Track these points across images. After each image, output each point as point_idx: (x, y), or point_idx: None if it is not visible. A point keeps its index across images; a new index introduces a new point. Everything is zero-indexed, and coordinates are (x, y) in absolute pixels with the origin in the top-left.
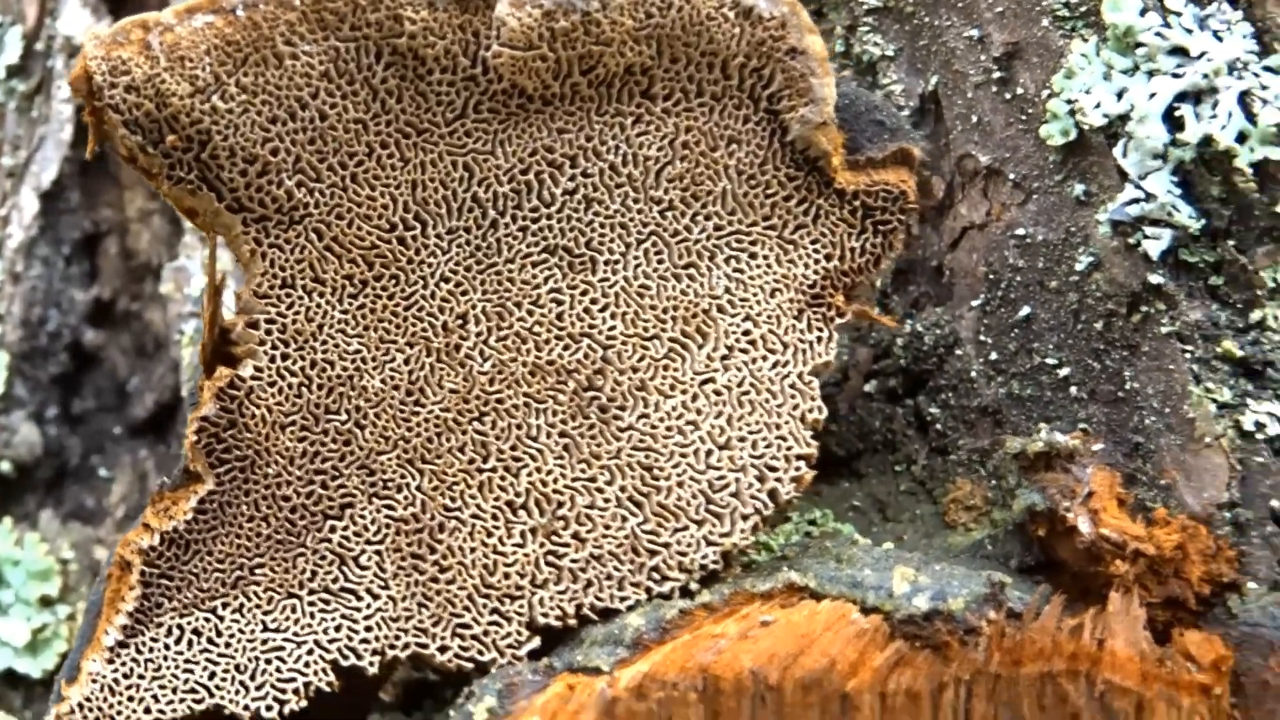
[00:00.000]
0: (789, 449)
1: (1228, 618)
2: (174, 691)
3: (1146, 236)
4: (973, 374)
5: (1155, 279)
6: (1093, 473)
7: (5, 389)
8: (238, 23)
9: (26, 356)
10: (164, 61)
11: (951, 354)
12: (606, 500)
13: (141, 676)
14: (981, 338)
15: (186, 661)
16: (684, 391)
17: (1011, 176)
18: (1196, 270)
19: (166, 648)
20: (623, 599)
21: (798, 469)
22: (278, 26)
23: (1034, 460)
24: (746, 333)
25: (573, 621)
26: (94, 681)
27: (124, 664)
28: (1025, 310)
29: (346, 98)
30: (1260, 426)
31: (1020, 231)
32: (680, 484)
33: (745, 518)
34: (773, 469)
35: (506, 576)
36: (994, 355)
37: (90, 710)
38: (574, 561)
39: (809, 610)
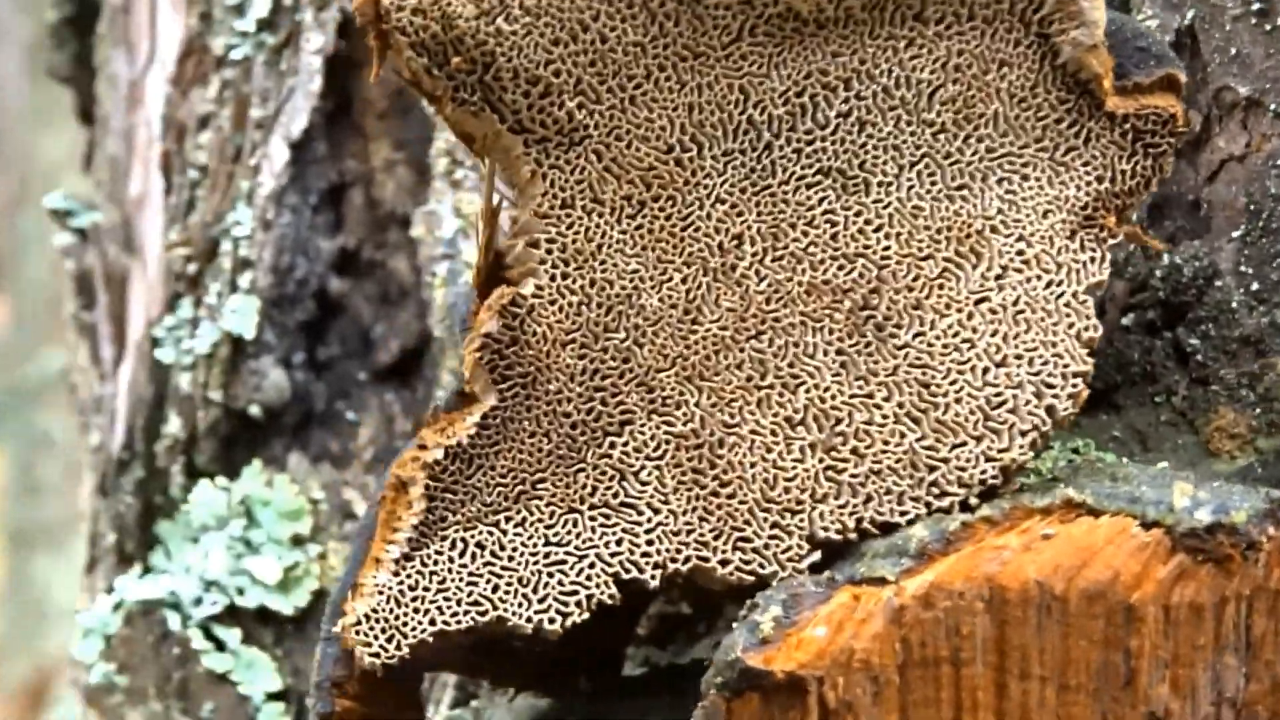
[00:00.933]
0: (1065, 366)
1: None
2: (458, 604)
3: None
4: (1234, 304)
5: None
6: None
7: (256, 334)
8: None
9: (275, 303)
10: None
11: (1211, 285)
12: (884, 416)
13: (427, 589)
14: (1242, 268)
15: (471, 574)
16: (959, 310)
17: (1273, 107)
18: None
19: (451, 560)
20: (902, 513)
21: (1075, 386)
22: None
23: None
24: (1020, 252)
25: (853, 535)
26: (381, 593)
27: (409, 576)
28: None
29: (626, 21)
30: None
31: None
32: (958, 400)
33: (1023, 433)
34: (1050, 385)
35: (787, 491)
36: (1255, 285)
37: (376, 621)
38: (853, 476)
39: (1088, 524)
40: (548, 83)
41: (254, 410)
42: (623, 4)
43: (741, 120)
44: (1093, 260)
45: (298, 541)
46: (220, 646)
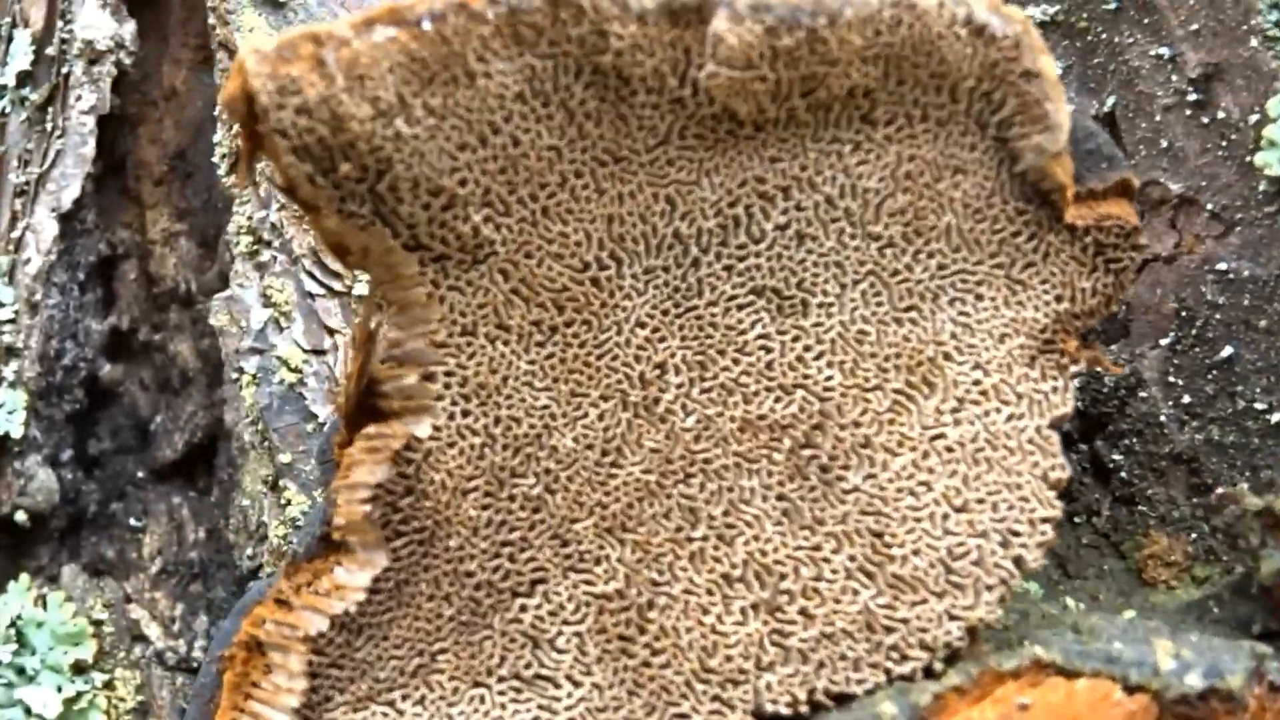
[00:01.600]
0: (1032, 511)
1: None
2: None
3: None
4: (1161, 418)
5: None
6: None
7: (23, 431)
8: (424, 37)
9: (42, 394)
10: (341, 81)
11: (1134, 396)
12: (834, 571)
13: None
14: (1171, 379)
15: None
16: (913, 449)
17: (1210, 207)
18: None
19: None
20: (859, 681)
21: (1043, 533)
22: (469, 42)
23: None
24: (977, 382)
25: (804, 709)
26: None
27: None
28: (1228, 350)
29: (541, 121)
30: None
31: (1221, 266)
32: (916, 552)
33: (990, 588)
34: (1016, 534)
35: (728, 659)
36: (1187, 399)
37: None
38: (803, 640)
39: (1064, 690)
40: (452, 193)
41: (20, 516)
42: (538, 103)
43: (666, 233)
44: (1055, 390)
45: (79, 669)
46: None
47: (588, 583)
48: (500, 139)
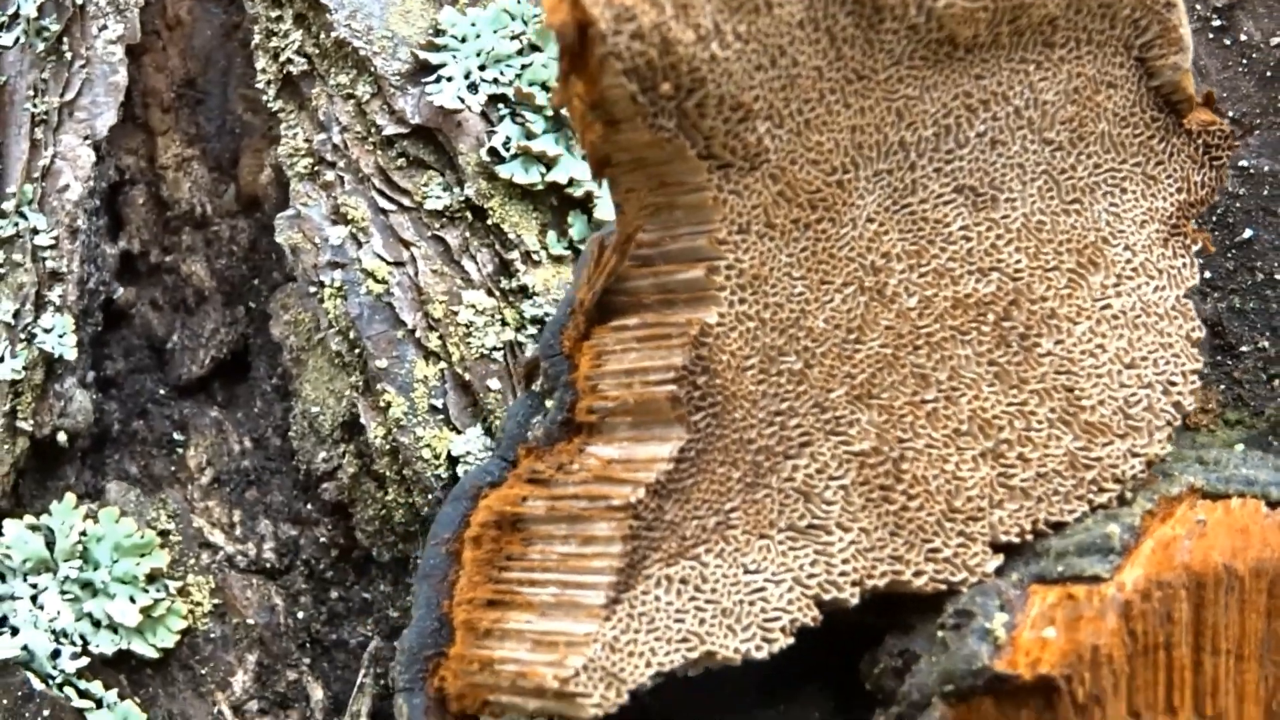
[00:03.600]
0: (1183, 365)
1: None
2: (669, 642)
3: None
4: None
5: None
6: None
7: (75, 354)
8: None
9: (79, 319)
10: (670, 9)
11: (1194, 293)
12: (1040, 422)
13: (638, 631)
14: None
15: (678, 611)
16: (1089, 317)
17: (1230, 114)
18: None
19: (658, 600)
20: (1070, 511)
21: (1194, 382)
22: None
23: None
24: (1129, 261)
25: (1029, 537)
26: (593, 642)
27: (620, 620)
28: (1248, 233)
29: (811, 44)
30: None
31: (1242, 163)
32: (1101, 402)
33: (1159, 429)
34: (1174, 383)
35: (969, 500)
36: (1209, 274)
37: (594, 671)
38: (1023, 480)
39: (1224, 509)
40: (747, 108)
41: (60, 437)
42: (811, 28)
43: (894, 141)
44: (1185, 265)
45: (152, 579)
46: (99, 703)
47: (845, 443)
48: (784, 60)
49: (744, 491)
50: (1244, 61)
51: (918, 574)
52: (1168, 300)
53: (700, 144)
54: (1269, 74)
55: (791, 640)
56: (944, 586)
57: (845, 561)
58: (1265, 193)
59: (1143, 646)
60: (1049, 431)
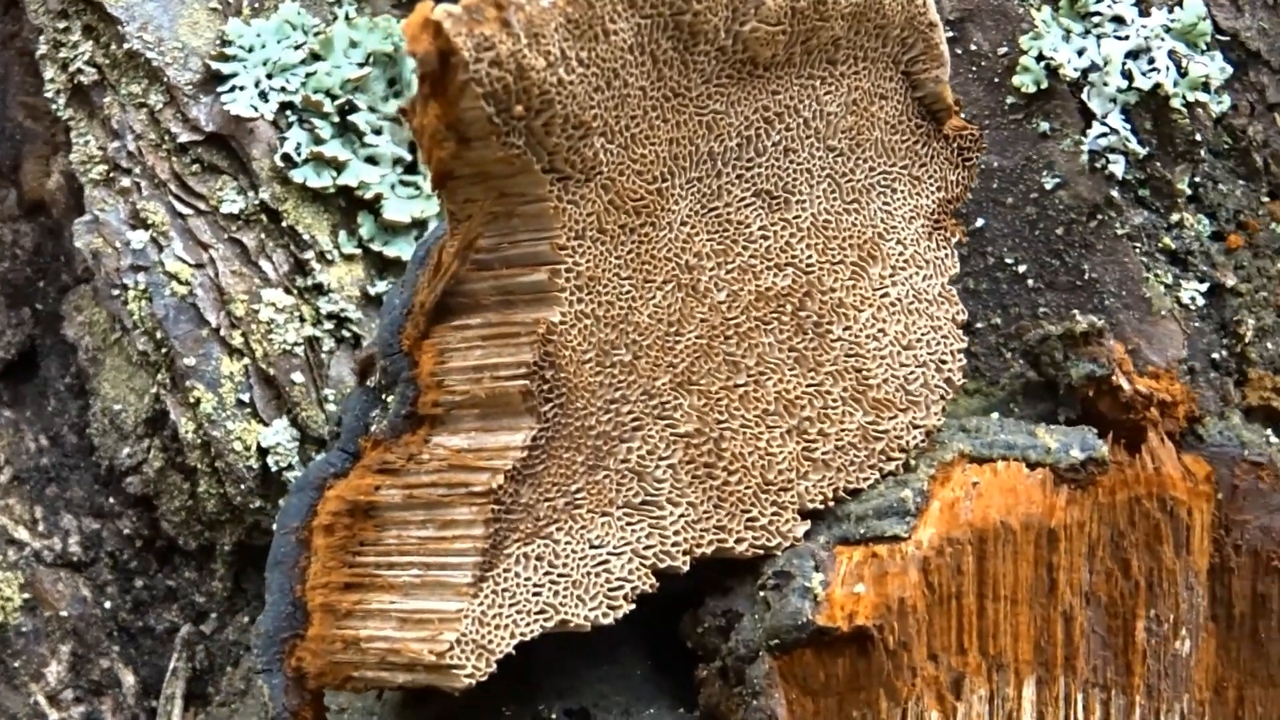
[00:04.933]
0: (951, 345)
1: (1198, 443)
2: (529, 614)
3: (1110, 161)
4: None
5: (1114, 193)
6: (1115, 344)
7: None
8: (577, 3)
9: None
10: (524, 38)
11: (955, 281)
12: (834, 400)
13: (502, 605)
14: None
15: (535, 585)
16: (871, 305)
17: (964, 115)
18: (1131, 185)
19: (518, 576)
20: (864, 479)
21: (961, 360)
22: (605, 5)
23: (1078, 338)
24: (901, 254)
25: (831, 503)
26: (464, 618)
27: (487, 597)
28: (980, 222)
29: (639, 67)
30: (1192, 299)
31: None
32: (885, 381)
33: (935, 403)
34: (944, 361)
35: (779, 473)
36: None
37: (467, 644)
38: (824, 453)
39: (991, 471)
40: (587, 125)
41: None
42: (638, 52)
43: (704, 152)
44: (947, 255)
45: None
46: None
47: (672, 426)
48: (618, 82)
49: (587, 474)
50: (974, 69)
51: (739, 541)
52: (934, 287)
53: (545, 159)
54: (995, 80)
55: (633, 607)
56: (761, 551)
57: (677, 533)
58: (994, 185)
59: (939, 596)
60: (843, 409)
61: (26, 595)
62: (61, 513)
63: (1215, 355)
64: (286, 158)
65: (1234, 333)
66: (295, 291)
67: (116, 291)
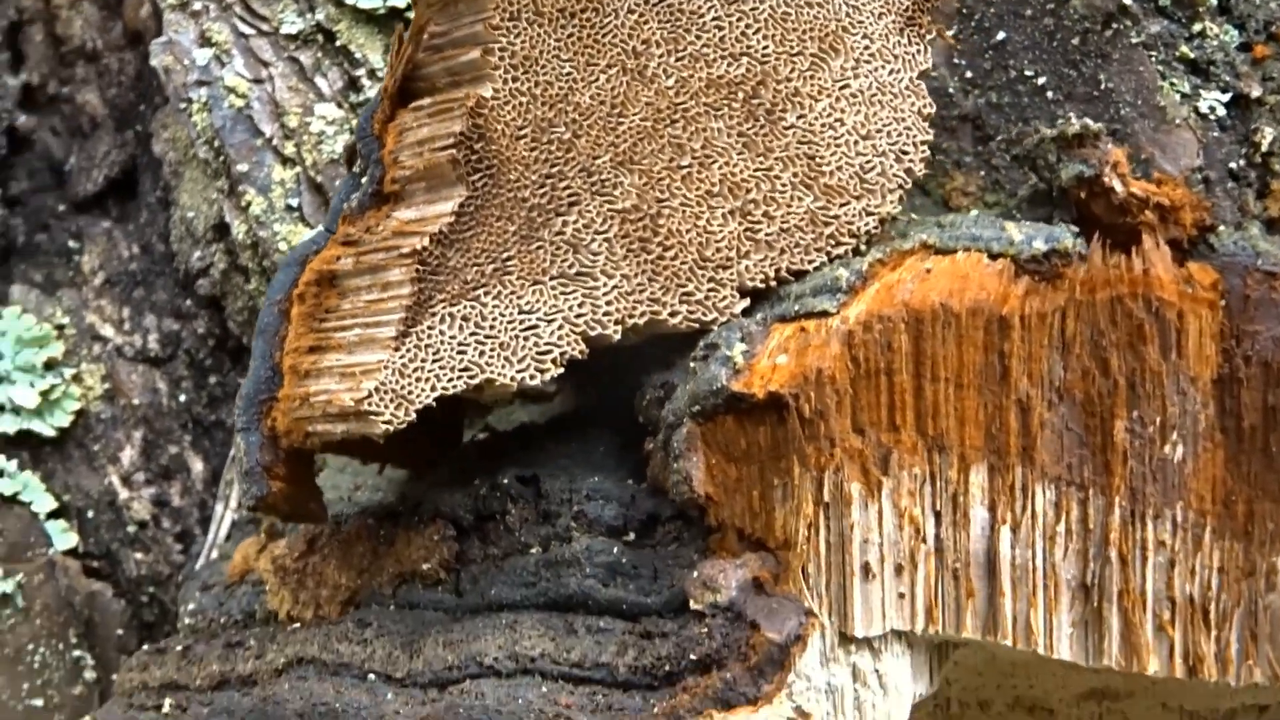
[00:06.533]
0: (914, 136)
1: (1209, 252)
2: (452, 370)
3: None
4: (950, 90)
5: (1126, 1)
6: (1112, 148)
7: None
8: None
9: None
10: None
11: (926, 76)
12: (783, 184)
13: (424, 360)
14: (955, 60)
15: (460, 344)
16: (829, 95)
17: None
18: None
19: (442, 334)
20: (809, 262)
21: (924, 151)
22: None
23: (1071, 140)
24: (867, 48)
25: (773, 283)
26: (386, 368)
27: (409, 350)
28: (1001, 35)
29: None
30: (1212, 109)
31: None
32: (839, 168)
33: (891, 191)
34: (905, 152)
35: (718, 251)
36: (969, 74)
37: (386, 393)
38: (768, 234)
39: (950, 260)
40: None
41: None
42: None
43: None
44: (919, 51)
45: (50, 366)
46: (1, 473)
47: (610, 202)
48: None
49: (520, 244)
50: None
51: (673, 314)
52: (902, 81)
53: None
54: None
55: (561, 370)
56: (697, 325)
57: (609, 303)
58: None
59: (865, 371)
60: (791, 193)
61: (107, 386)
62: (145, 313)
63: (1233, 165)
64: None
65: (1252, 142)
66: (346, 106)
67: (183, 105)
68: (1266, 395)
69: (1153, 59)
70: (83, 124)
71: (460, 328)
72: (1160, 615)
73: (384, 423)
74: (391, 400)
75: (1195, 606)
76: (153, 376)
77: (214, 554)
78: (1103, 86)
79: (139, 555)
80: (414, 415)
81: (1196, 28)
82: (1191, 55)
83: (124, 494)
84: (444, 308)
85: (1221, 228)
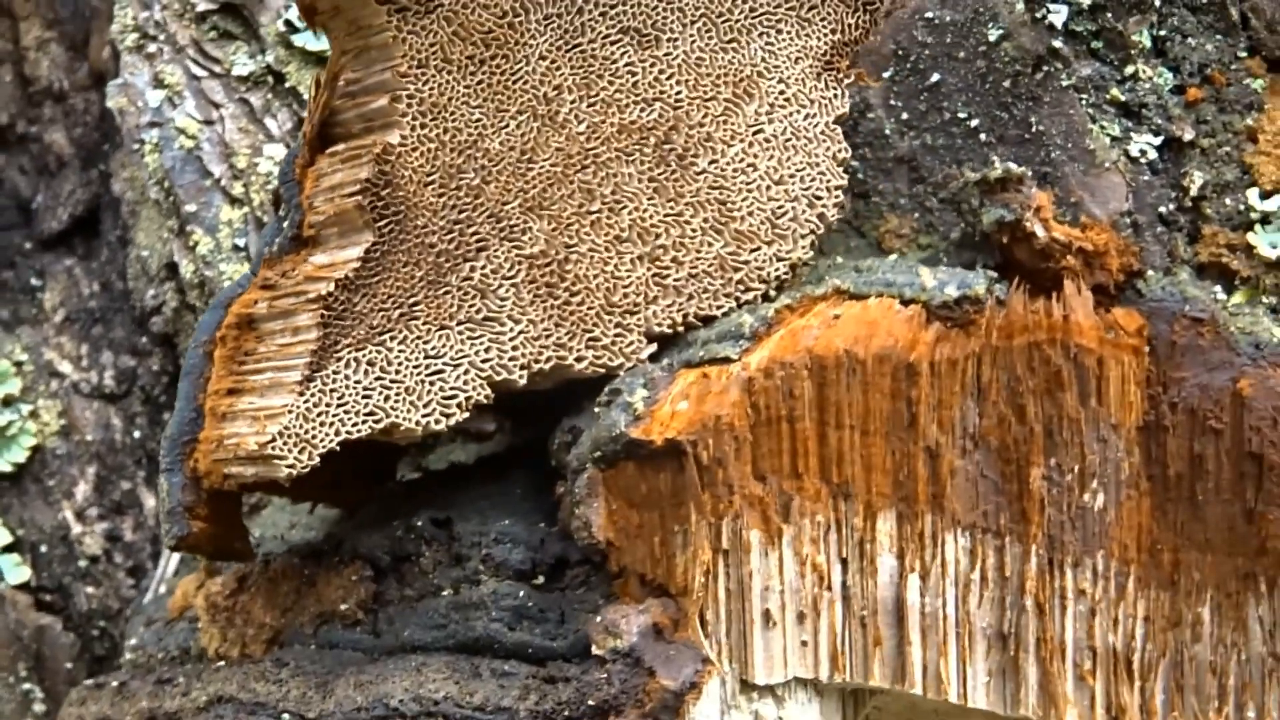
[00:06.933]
0: (829, 181)
1: (1137, 297)
2: (357, 415)
3: (1050, 11)
4: (886, 132)
5: (1056, 44)
6: (1036, 192)
7: None
8: None
9: None
10: None
11: (864, 118)
12: (694, 230)
13: (329, 405)
14: (892, 102)
15: (365, 389)
16: (742, 140)
17: None
18: (1082, 37)
19: (348, 378)
20: (718, 307)
21: (838, 196)
22: None
23: (993, 184)
24: (783, 92)
25: (680, 328)
26: (290, 412)
27: (313, 395)
28: (935, 77)
29: None
30: (1143, 153)
31: (928, 15)
32: (750, 213)
33: (803, 236)
34: (819, 198)
35: (625, 296)
36: (905, 115)
37: (289, 437)
38: (676, 280)
39: (862, 306)
40: None
41: None
42: None
43: None
44: (836, 96)
45: (7, 402)
46: None
47: (518, 247)
48: None
49: (427, 289)
50: None
51: (579, 359)
52: (817, 126)
53: None
54: None
55: (467, 415)
56: (603, 370)
57: (515, 348)
58: (947, 39)
59: (765, 418)
60: (701, 239)
61: (63, 422)
62: (103, 350)
63: (1163, 210)
64: (289, 24)
65: (1182, 186)
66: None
67: (136, 146)
68: (1193, 443)
69: (1083, 102)
70: (49, 163)
71: (365, 372)
72: (1080, 665)
73: (287, 466)
74: (295, 444)
75: (1118, 657)
76: (107, 413)
77: (162, 589)
78: (1034, 129)
79: (90, 589)
80: (317, 460)
81: (1129, 70)
82: (1123, 98)
83: (77, 529)
84: (349, 352)
85: (1150, 273)
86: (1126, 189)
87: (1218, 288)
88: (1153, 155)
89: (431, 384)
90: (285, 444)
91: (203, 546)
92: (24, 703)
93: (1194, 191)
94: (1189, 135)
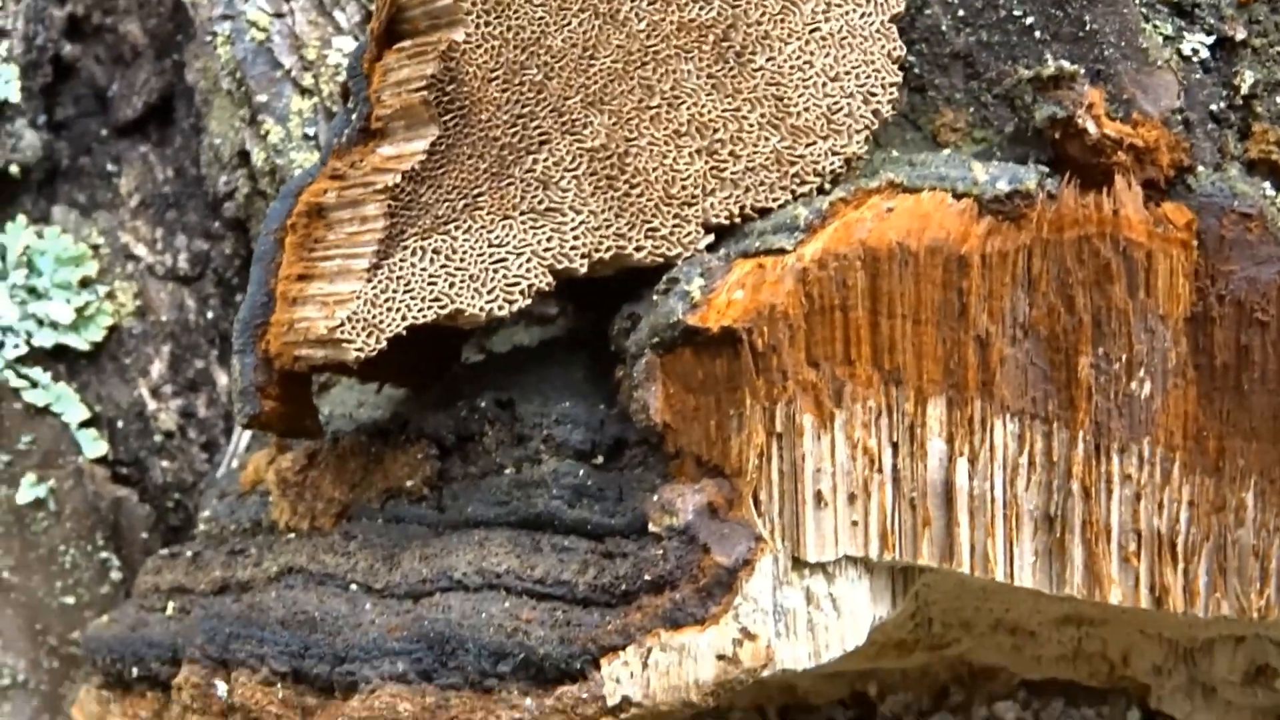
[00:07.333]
0: (883, 79)
1: (1187, 193)
2: (423, 301)
3: None
4: (943, 28)
5: None
6: (1089, 89)
7: (20, 98)
8: None
9: (25, 70)
10: None
11: (921, 13)
12: (751, 125)
13: (395, 291)
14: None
15: (431, 275)
16: (799, 38)
17: None
18: None
19: (413, 266)
20: (774, 200)
21: (892, 93)
22: None
23: (1046, 81)
24: None
25: (738, 220)
26: (357, 299)
27: (380, 282)
28: None
29: None
30: (1195, 52)
31: None
32: (806, 109)
33: (858, 132)
34: (874, 94)
35: (683, 188)
36: (961, 12)
37: (357, 322)
38: (733, 173)
39: (914, 199)
40: None
41: (12, 170)
42: None
43: None
44: None
45: (85, 284)
46: (34, 384)
47: (579, 141)
48: None
49: (490, 180)
50: None
51: (638, 249)
52: (872, 24)
53: None
54: None
55: (529, 301)
56: (661, 260)
57: (576, 238)
58: None
59: (819, 307)
60: (758, 133)
61: (139, 303)
62: (177, 234)
63: (1214, 108)
64: None
65: (1233, 85)
66: (363, 39)
67: (209, 38)
68: (1239, 334)
69: (1137, 1)
70: (124, 53)
71: (431, 260)
72: (1125, 547)
73: (355, 350)
74: (363, 329)
75: (1162, 539)
76: (181, 294)
77: (234, 464)
78: (1088, 27)
79: (165, 463)
80: (384, 344)
81: None
82: None
83: (152, 405)
84: (415, 241)
85: (1200, 169)
86: (1178, 87)
87: (1267, 184)
88: (1205, 54)
89: (495, 271)
90: (353, 328)
91: (274, 424)
92: (101, 571)
93: (1245, 90)
94: (1241, 35)
